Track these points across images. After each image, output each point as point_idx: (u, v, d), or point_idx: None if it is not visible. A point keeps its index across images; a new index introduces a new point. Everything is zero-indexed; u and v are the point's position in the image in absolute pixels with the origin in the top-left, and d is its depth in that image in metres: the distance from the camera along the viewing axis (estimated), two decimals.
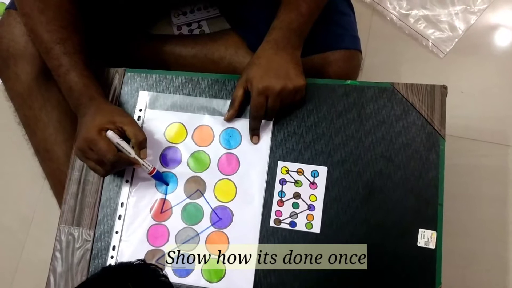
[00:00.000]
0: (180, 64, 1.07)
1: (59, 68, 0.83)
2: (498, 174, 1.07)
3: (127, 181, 0.87)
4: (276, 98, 0.80)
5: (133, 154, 0.80)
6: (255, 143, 0.85)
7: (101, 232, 0.86)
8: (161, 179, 0.84)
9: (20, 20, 0.93)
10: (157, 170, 0.83)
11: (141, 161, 0.81)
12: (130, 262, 0.62)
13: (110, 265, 0.63)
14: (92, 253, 0.85)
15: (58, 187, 1.03)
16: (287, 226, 0.82)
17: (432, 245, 0.78)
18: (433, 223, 0.78)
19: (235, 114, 0.85)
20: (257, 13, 0.99)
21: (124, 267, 0.60)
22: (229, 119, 0.86)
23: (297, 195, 0.83)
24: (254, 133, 0.85)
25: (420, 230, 0.78)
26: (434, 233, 0.78)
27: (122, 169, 0.85)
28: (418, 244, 0.78)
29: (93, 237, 0.86)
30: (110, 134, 0.79)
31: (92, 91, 0.83)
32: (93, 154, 0.79)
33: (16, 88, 0.97)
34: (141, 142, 0.80)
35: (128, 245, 0.84)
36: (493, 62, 1.14)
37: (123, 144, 0.80)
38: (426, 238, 0.78)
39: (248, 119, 0.85)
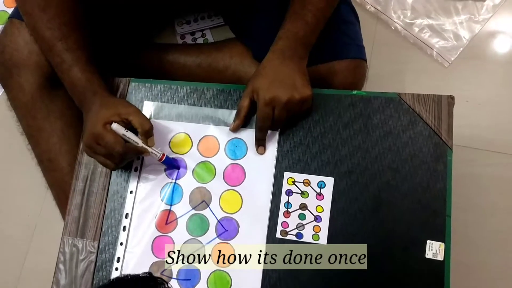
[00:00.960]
0: (184, 74, 1.07)
1: (62, 64, 0.83)
2: (504, 184, 1.06)
3: (131, 192, 0.86)
4: (282, 108, 0.80)
5: (140, 143, 0.80)
6: (261, 154, 0.84)
7: (105, 244, 0.85)
8: (171, 164, 0.84)
9: (23, 29, 0.93)
10: (167, 156, 0.83)
11: (149, 149, 0.81)
12: (137, 274, 0.61)
13: (117, 277, 0.62)
14: (96, 265, 0.84)
15: (61, 198, 1.02)
16: (294, 238, 0.81)
17: (440, 257, 0.77)
18: (441, 235, 0.78)
19: (241, 124, 0.85)
20: (262, 23, 0.99)
21: (131, 280, 0.59)
22: (235, 130, 0.85)
23: (303, 206, 0.82)
24: (260, 143, 0.84)
25: (428, 241, 0.78)
26: (442, 244, 0.77)
27: (131, 159, 0.85)
28: (426, 256, 0.77)
29: (97, 249, 0.85)
30: (115, 126, 0.78)
31: (95, 85, 0.83)
32: (101, 148, 0.79)
33: (19, 98, 0.97)
34: (147, 130, 0.80)
35: (133, 257, 0.83)
36: (498, 71, 1.14)
37: (129, 134, 0.79)
38: (434, 250, 0.77)
39: (254, 129, 0.84)
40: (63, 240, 0.87)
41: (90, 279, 0.84)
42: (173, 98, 0.90)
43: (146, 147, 0.80)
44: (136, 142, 0.80)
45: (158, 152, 0.81)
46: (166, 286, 0.58)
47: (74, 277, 0.84)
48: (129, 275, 0.60)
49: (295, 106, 0.81)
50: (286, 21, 0.85)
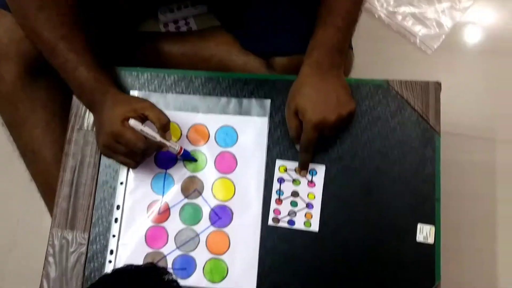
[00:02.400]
0: (168, 63, 1.06)
1: (66, 64, 0.80)
2: (485, 169, 1.09)
3: (121, 183, 0.85)
4: (332, 129, 0.79)
5: (158, 138, 0.78)
6: (304, 176, 0.83)
7: (96, 234, 0.84)
8: (189, 157, 0.83)
9: (3, 18, 0.90)
10: (184, 149, 0.82)
11: (168, 143, 0.79)
12: (140, 265, 0.61)
13: (119, 268, 0.61)
14: (87, 256, 0.83)
15: (46, 190, 1.01)
16: (286, 225, 0.82)
17: (430, 240, 0.79)
18: (431, 218, 0.80)
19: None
20: (248, 12, 0.99)
21: (133, 270, 0.58)
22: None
23: (295, 194, 0.83)
24: (304, 167, 0.82)
25: (419, 225, 0.79)
26: (433, 228, 0.79)
27: (150, 156, 0.83)
28: (417, 240, 0.79)
29: (87, 240, 0.84)
30: (133, 122, 0.77)
31: (105, 85, 0.81)
32: (121, 147, 0.77)
33: (0, 88, 0.94)
34: (165, 125, 0.78)
35: (126, 249, 0.82)
36: (480, 58, 1.17)
37: (147, 130, 0.78)
38: (424, 233, 0.79)
39: (244, 116, 0.85)
40: (52, 233, 0.85)
41: (81, 271, 0.83)
42: (161, 86, 0.89)
43: (165, 141, 0.79)
44: (154, 137, 0.78)
45: (176, 146, 0.81)
46: (170, 277, 0.57)
47: (64, 269, 0.83)
48: (132, 265, 0.59)
49: (342, 123, 0.80)
50: (316, 30, 0.82)
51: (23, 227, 1.15)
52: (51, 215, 1.06)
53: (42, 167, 0.98)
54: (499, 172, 1.10)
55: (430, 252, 0.79)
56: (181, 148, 0.81)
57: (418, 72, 1.15)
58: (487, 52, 1.17)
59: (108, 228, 0.84)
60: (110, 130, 0.77)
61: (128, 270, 0.58)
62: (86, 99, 0.83)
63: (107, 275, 0.60)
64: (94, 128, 0.86)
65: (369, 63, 1.16)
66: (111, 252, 0.82)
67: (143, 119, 0.78)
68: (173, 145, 0.80)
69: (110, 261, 0.82)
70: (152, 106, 0.80)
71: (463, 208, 1.04)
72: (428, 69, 1.16)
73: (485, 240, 1.08)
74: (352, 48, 0.99)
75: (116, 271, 0.60)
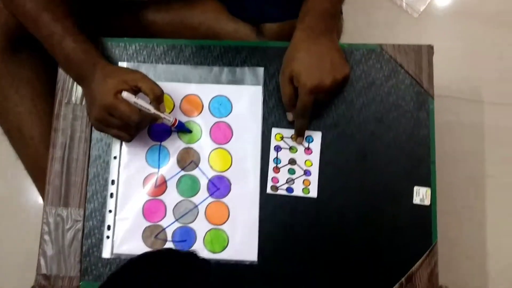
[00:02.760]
0: (154, 32, 1.01)
1: (52, 37, 0.76)
2: (474, 130, 1.11)
3: (115, 157, 0.83)
4: (327, 94, 0.79)
5: (152, 110, 0.77)
6: (300, 143, 0.82)
7: (91, 210, 0.82)
8: (183, 128, 0.82)
9: None
10: (179, 120, 0.81)
11: (162, 115, 0.78)
12: (181, 251, 0.61)
13: (159, 249, 0.61)
14: (84, 232, 0.82)
15: (35, 169, 0.98)
16: (285, 192, 0.82)
17: (427, 202, 0.80)
18: (427, 180, 0.81)
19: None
20: None
21: (174, 255, 0.59)
22: (294, 119, 0.82)
23: (292, 161, 0.83)
24: (301, 133, 0.82)
25: (415, 187, 0.81)
26: (429, 190, 0.81)
27: (144, 129, 0.81)
28: (414, 202, 0.80)
29: (83, 216, 0.82)
30: (126, 95, 0.74)
31: (93, 56, 0.78)
32: (115, 120, 0.75)
33: None
34: (159, 96, 0.76)
35: (124, 224, 0.81)
36: (465, 21, 1.18)
37: (141, 102, 0.76)
38: (421, 195, 0.80)
39: (238, 85, 0.83)
40: (46, 211, 0.83)
41: (79, 247, 0.82)
42: (150, 57, 0.87)
43: (159, 113, 0.77)
44: (148, 109, 0.76)
45: (171, 118, 0.79)
46: (208, 266, 0.58)
47: (61, 246, 0.82)
48: (171, 249, 0.59)
49: (338, 87, 0.80)
50: None
51: (11, 204, 1.13)
52: (41, 194, 1.05)
53: (30, 145, 0.95)
54: (487, 132, 1.13)
55: (426, 214, 0.80)
56: (175, 119, 0.80)
57: (405, 36, 1.16)
58: (473, 15, 1.18)
59: (103, 204, 0.83)
60: (103, 103, 0.75)
61: (168, 253, 0.58)
62: (74, 72, 0.80)
63: (147, 253, 0.60)
64: (84, 102, 0.83)
65: (356, 28, 1.16)
66: (109, 227, 0.82)
67: (135, 91, 0.76)
68: (168, 117, 0.79)
69: (108, 237, 0.81)
70: (145, 77, 0.78)
71: (453, 169, 1.06)
72: (415, 33, 1.16)
73: (474, 198, 1.11)
74: (342, 13, 0.97)
75: (156, 252, 0.60)
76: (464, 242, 1.09)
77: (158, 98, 0.76)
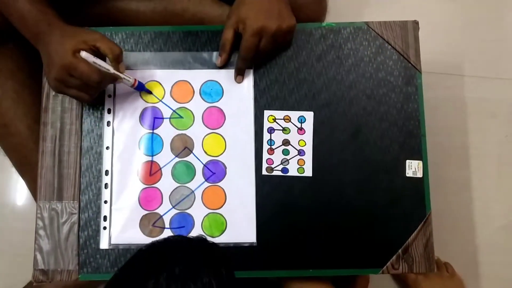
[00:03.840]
0: (138, 21, 1.01)
1: None
2: (461, 104, 1.14)
3: (107, 148, 0.82)
4: (271, 38, 0.78)
5: (111, 70, 0.76)
6: (239, 82, 0.83)
7: (86, 202, 0.82)
8: (143, 88, 0.82)
9: None
10: (139, 81, 0.81)
11: (122, 75, 0.78)
12: (190, 236, 0.61)
13: (170, 236, 0.61)
14: (80, 224, 0.81)
15: (23, 164, 0.97)
16: (280, 173, 0.82)
17: (419, 174, 0.82)
18: (419, 153, 0.83)
19: (228, 58, 0.83)
20: None
21: (184, 241, 0.58)
22: (222, 64, 0.83)
23: (286, 142, 0.83)
24: (240, 73, 0.83)
25: (407, 161, 0.82)
26: (420, 162, 0.82)
27: (103, 89, 0.81)
28: (407, 175, 0.82)
29: (78, 209, 0.81)
30: (84, 54, 0.73)
31: (50, 16, 0.76)
32: (75, 80, 0.73)
33: None
34: (118, 55, 0.76)
35: (120, 214, 0.80)
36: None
37: (100, 62, 0.75)
38: (413, 168, 0.82)
39: (227, 70, 0.83)
40: (39, 205, 0.82)
41: (76, 240, 0.81)
42: (138, 45, 0.86)
43: (118, 73, 0.77)
44: (107, 70, 0.75)
45: (130, 78, 0.79)
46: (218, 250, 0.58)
47: (57, 240, 0.81)
48: (181, 236, 0.59)
49: (282, 36, 0.80)
50: None
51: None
52: (29, 188, 1.03)
53: (17, 140, 0.93)
54: (469, 105, 1.15)
55: (419, 185, 0.82)
56: (135, 80, 0.80)
57: (387, 13, 1.16)
58: None
59: (98, 195, 0.82)
60: (62, 63, 0.73)
61: (180, 240, 0.58)
62: (29, 32, 0.78)
63: (157, 242, 0.59)
64: (44, 64, 0.80)
65: (340, 7, 1.16)
66: (105, 218, 0.81)
67: (94, 51, 0.75)
68: (127, 77, 0.79)
69: (104, 228, 0.81)
70: (103, 37, 0.76)
71: (438, 141, 1.08)
72: (397, 10, 1.17)
73: (459, 169, 1.13)
74: None
75: (168, 239, 0.59)
76: (452, 212, 1.12)
77: (117, 57, 0.76)
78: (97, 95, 0.79)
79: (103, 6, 1.03)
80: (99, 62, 0.74)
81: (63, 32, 0.75)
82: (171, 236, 0.62)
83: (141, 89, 0.82)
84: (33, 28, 0.76)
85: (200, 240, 0.60)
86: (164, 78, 0.84)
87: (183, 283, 0.51)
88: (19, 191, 1.14)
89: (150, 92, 0.83)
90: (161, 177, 0.81)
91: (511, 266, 1.10)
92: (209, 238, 0.79)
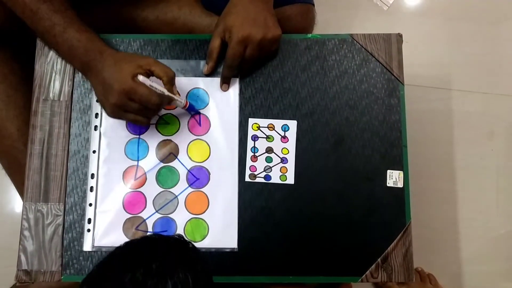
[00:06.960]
0: (129, 29, 1.03)
1: (53, 28, 0.76)
2: (445, 117, 1.16)
3: (94, 152, 0.84)
4: (256, 47, 0.80)
5: (166, 92, 0.77)
6: (224, 90, 0.85)
7: (71, 204, 0.83)
8: (194, 109, 0.84)
9: None
10: (190, 102, 0.82)
11: (175, 97, 0.79)
12: (168, 235, 0.62)
13: (147, 235, 0.62)
14: (64, 226, 0.82)
15: (12, 165, 0.98)
16: (263, 180, 0.84)
17: (400, 184, 0.83)
18: (400, 164, 0.84)
19: (215, 66, 0.84)
20: None
21: (160, 239, 0.60)
22: (209, 72, 0.85)
23: (269, 150, 0.85)
24: (225, 81, 0.85)
25: (388, 171, 0.84)
26: (401, 173, 0.84)
27: (159, 112, 0.82)
28: (388, 185, 0.83)
29: (63, 211, 0.83)
30: (142, 78, 0.75)
31: (99, 44, 0.78)
32: (134, 104, 0.75)
33: None
34: (172, 78, 0.77)
35: (104, 217, 0.82)
36: (434, 12, 1.21)
37: (156, 85, 0.76)
38: (394, 178, 0.83)
39: (213, 78, 0.85)
40: (25, 207, 0.83)
41: (60, 242, 0.82)
42: (127, 51, 0.88)
43: (172, 95, 0.78)
44: (162, 92, 0.77)
45: (182, 100, 0.81)
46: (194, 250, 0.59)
47: (42, 242, 0.82)
48: (158, 234, 0.60)
49: (267, 45, 0.81)
50: None
51: None
52: (18, 191, 1.05)
53: (7, 142, 0.95)
54: (455, 118, 1.17)
55: (400, 195, 0.83)
56: (186, 102, 0.82)
57: (375, 28, 1.18)
58: (440, 7, 1.22)
59: (83, 198, 0.83)
60: (122, 88, 0.74)
61: (157, 238, 0.59)
62: (80, 62, 0.79)
63: (135, 240, 0.60)
64: (94, 92, 0.82)
65: (326, 20, 1.19)
66: (89, 221, 0.82)
67: (149, 75, 0.77)
68: (180, 99, 0.80)
69: (88, 230, 0.82)
70: (156, 61, 0.78)
71: (424, 153, 1.10)
72: (385, 25, 1.20)
73: (444, 181, 1.15)
74: (314, 5, 1.00)
75: (145, 237, 0.60)
76: (436, 223, 1.13)
77: (171, 80, 0.78)
78: (152, 118, 0.81)
79: (94, 14, 1.05)
80: (155, 85, 0.76)
81: (117, 58, 0.77)
82: (149, 235, 0.63)
83: (192, 109, 0.84)
84: (83, 57, 0.78)
85: (177, 238, 0.61)
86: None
87: (159, 279, 0.52)
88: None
89: (199, 113, 0.85)
90: (145, 181, 0.83)
91: (495, 277, 1.11)
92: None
